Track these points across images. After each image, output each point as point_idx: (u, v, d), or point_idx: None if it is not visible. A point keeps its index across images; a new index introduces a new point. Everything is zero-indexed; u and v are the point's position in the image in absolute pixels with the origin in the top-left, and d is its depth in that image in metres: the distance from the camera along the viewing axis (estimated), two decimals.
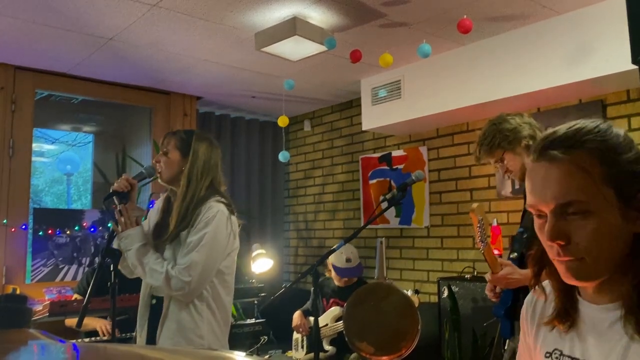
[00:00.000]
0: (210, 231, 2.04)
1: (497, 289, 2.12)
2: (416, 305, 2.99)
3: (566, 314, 0.97)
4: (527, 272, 1.98)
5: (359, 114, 4.50)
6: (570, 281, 0.91)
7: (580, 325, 0.95)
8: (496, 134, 2.14)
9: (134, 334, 2.31)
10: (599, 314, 0.92)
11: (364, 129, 4.38)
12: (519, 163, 2.14)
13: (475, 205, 2.07)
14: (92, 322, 3.20)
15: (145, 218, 2.35)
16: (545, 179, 0.90)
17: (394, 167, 4.56)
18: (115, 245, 2.09)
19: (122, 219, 2.08)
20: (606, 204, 0.87)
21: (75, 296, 3.36)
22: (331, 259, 3.65)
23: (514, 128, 2.13)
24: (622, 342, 0.87)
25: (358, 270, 3.73)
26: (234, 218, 2.17)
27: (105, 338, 3.12)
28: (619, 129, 0.93)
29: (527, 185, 0.93)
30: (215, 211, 2.07)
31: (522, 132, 2.13)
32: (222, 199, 2.14)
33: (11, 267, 3.81)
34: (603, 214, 0.87)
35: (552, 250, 0.91)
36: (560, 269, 0.91)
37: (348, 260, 3.68)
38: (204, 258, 2.02)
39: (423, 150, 4.36)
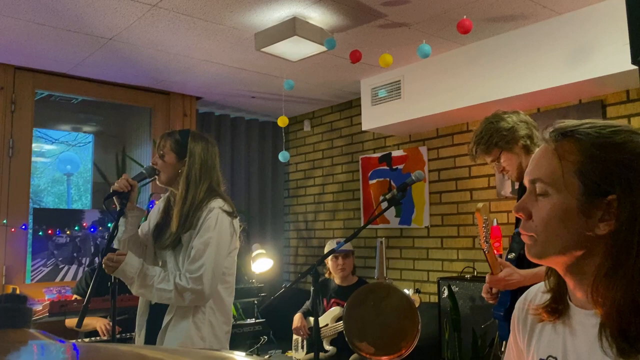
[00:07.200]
0: (214, 235, 2.04)
1: (494, 290, 2.10)
2: (417, 304, 2.99)
3: (555, 306, 0.97)
4: (526, 273, 1.97)
5: (359, 114, 4.50)
6: (528, 257, 0.96)
7: (572, 330, 0.94)
8: (493, 133, 2.12)
9: (133, 333, 2.31)
10: (587, 319, 0.91)
11: (363, 129, 4.38)
12: (515, 162, 2.12)
13: (480, 204, 2.04)
14: (92, 322, 3.19)
15: (146, 219, 2.35)
16: (534, 157, 0.97)
17: (394, 167, 4.57)
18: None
19: (110, 264, 1.98)
20: (566, 192, 0.89)
21: (74, 297, 3.36)
22: (327, 249, 3.80)
23: (512, 127, 2.11)
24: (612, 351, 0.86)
25: (349, 251, 3.81)
26: (235, 221, 2.16)
27: (105, 338, 3.12)
28: None
29: None
30: (217, 213, 2.06)
31: (519, 132, 2.11)
32: (223, 202, 2.13)
33: (11, 267, 3.81)
34: (560, 200, 0.89)
35: None
36: None
37: (338, 242, 3.78)
38: (213, 263, 2.01)
39: (423, 150, 4.36)
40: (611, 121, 0.93)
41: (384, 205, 2.41)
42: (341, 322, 3.25)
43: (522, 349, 1.06)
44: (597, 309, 0.88)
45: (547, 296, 0.99)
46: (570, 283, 0.95)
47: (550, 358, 0.97)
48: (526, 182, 0.96)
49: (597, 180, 0.87)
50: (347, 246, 3.79)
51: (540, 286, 1.05)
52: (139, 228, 2.23)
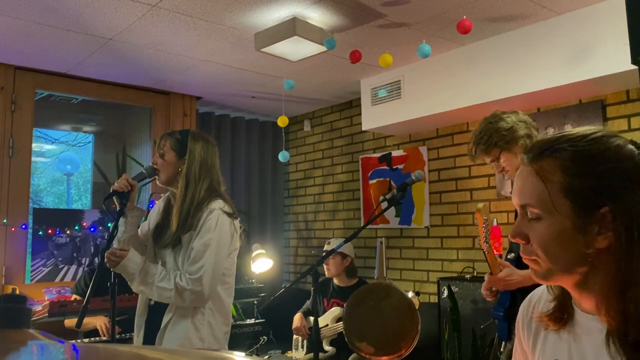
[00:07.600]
0: (214, 237, 2.03)
1: (494, 289, 2.10)
2: (417, 307, 2.99)
3: (560, 315, 0.96)
4: (526, 273, 1.97)
5: (359, 114, 4.50)
6: (535, 279, 0.94)
7: (578, 335, 0.94)
8: (493, 133, 2.12)
9: (133, 334, 2.31)
10: (593, 324, 0.91)
11: (363, 129, 4.38)
12: (515, 162, 2.11)
13: (481, 205, 2.04)
14: (92, 321, 3.19)
15: (146, 219, 2.35)
16: (517, 180, 0.95)
17: (394, 167, 4.57)
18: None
19: (112, 258, 1.99)
20: (558, 213, 0.87)
21: (74, 297, 3.36)
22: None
23: (511, 127, 2.11)
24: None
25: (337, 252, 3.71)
26: (236, 222, 2.16)
27: (105, 338, 3.12)
28: (621, 140, 0.89)
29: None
30: (217, 215, 2.06)
31: (518, 132, 2.11)
32: (224, 203, 2.12)
33: (11, 267, 3.81)
34: (554, 222, 0.88)
35: None
36: None
37: (328, 243, 3.86)
38: (212, 264, 2.01)
39: (423, 150, 4.36)
40: (586, 128, 0.91)
41: (384, 205, 2.41)
42: (341, 323, 3.25)
43: (526, 351, 1.05)
44: (608, 320, 0.87)
45: (551, 304, 0.98)
46: (575, 294, 0.94)
47: None
48: (515, 205, 0.94)
49: (585, 196, 0.86)
50: (334, 243, 3.77)
51: (544, 289, 1.04)
52: (138, 228, 2.23)
